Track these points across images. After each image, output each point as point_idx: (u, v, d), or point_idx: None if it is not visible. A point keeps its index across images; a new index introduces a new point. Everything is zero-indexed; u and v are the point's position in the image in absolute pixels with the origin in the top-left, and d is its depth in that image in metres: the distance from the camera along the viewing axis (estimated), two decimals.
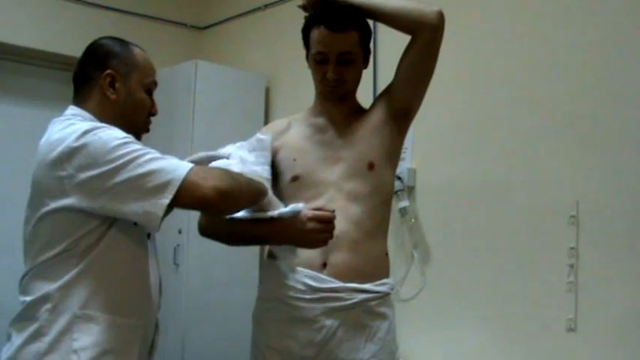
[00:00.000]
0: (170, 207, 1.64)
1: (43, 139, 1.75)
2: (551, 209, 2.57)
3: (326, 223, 1.83)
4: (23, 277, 1.75)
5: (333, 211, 1.85)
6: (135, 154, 1.63)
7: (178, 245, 3.41)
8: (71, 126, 1.70)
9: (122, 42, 1.85)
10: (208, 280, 3.49)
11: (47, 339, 1.66)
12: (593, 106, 2.52)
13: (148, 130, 1.90)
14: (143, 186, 1.61)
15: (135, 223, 1.71)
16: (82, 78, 1.82)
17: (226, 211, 1.79)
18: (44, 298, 1.68)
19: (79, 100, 1.82)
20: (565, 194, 2.54)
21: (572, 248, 2.50)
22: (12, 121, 3.74)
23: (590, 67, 2.54)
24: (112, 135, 1.66)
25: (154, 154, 1.67)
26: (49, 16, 3.76)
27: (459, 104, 2.92)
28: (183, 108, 3.58)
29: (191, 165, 1.67)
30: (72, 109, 1.80)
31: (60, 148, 1.65)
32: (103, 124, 1.71)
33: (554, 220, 2.55)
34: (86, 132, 1.65)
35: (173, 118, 3.56)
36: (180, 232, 3.41)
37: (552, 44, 2.64)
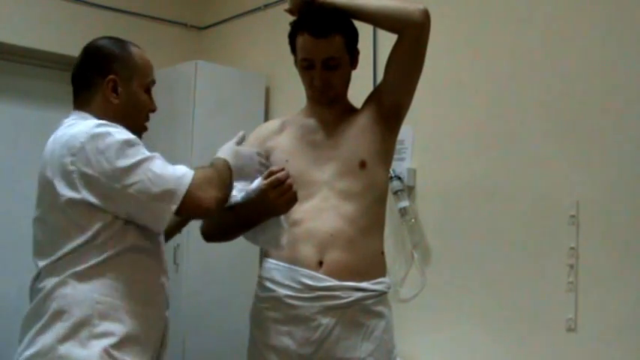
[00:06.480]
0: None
1: (51, 139, 1.78)
2: (551, 209, 2.57)
3: (281, 185, 1.84)
4: (38, 275, 1.73)
5: (283, 169, 1.86)
6: (142, 157, 1.69)
7: (178, 245, 3.41)
8: (81, 124, 1.73)
9: (120, 42, 1.86)
10: (208, 280, 3.49)
11: (67, 324, 1.65)
12: (593, 106, 2.51)
13: (146, 129, 1.92)
14: (151, 190, 1.66)
15: None
16: (83, 82, 1.83)
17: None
18: (63, 285, 1.67)
19: (82, 103, 1.83)
20: (565, 194, 2.54)
21: (572, 248, 2.49)
22: (12, 121, 3.74)
23: (590, 66, 2.53)
24: (120, 135, 1.70)
25: (158, 157, 1.73)
26: (49, 16, 3.76)
27: (459, 104, 2.91)
28: (183, 108, 3.58)
29: (191, 173, 1.72)
30: (76, 114, 1.81)
31: (70, 145, 1.69)
32: (111, 124, 1.74)
33: (554, 220, 2.55)
34: (96, 131, 1.69)
35: (173, 118, 3.56)
36: (180, 231, 3.41)
37: (552, 44, 2.64)
